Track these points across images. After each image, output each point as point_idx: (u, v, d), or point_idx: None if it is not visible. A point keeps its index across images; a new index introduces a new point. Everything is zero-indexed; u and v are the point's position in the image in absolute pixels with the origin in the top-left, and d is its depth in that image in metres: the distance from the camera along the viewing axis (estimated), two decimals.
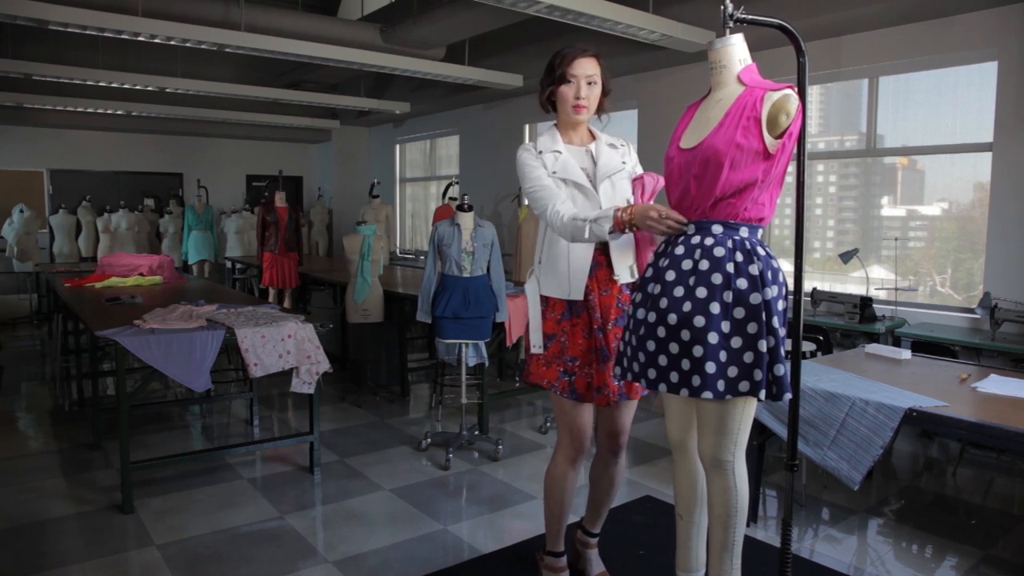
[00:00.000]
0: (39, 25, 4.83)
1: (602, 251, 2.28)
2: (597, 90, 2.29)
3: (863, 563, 2.93)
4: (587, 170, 2.31)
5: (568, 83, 2.25)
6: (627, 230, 2.09)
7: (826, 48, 5.32)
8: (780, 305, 1.97)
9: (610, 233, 2.09)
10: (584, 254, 2.27)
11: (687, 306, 1.96)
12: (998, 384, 3.00)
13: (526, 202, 7.71)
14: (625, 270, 2.30)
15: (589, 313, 2.29)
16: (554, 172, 2.28)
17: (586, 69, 2.25)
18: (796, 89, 1.94)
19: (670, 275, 2.02)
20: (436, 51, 7.04)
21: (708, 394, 1.92)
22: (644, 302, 2.08)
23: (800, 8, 4.84)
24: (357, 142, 11.67)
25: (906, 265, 5.27)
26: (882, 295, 5.19)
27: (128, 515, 3.26)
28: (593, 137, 2.40)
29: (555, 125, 2.39)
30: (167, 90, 7.27)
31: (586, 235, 2.13)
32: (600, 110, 2.34)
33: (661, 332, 2.00)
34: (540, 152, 2.31)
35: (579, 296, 2.28)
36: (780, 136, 1.92)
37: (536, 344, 2.36)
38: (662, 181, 2.22)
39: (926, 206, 5.29)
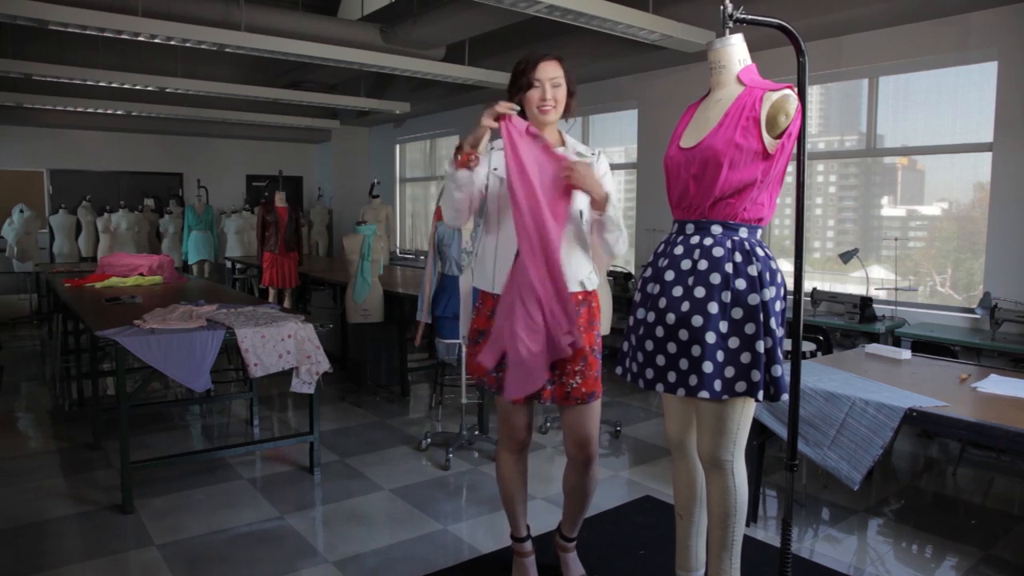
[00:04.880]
0: (39, 25, 4.83)
1: None
2: (562, 92, 2.31)
3: (863, 563, 2.93)
4: None
5: (534, 87, 2.29)
6: (467, 160, 2.20)
7: (826, 48, 5.32)
8: (778, 306, 1.97)
9: (457, 170, 2.22)
10: (511, 249, 2.26)
11: (685, 306, 1.96)
12: (998, 384, 3.00)
13: None
14: (575, 282, 2.28)
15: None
16: (495, 168, 2.31)
17: (549, 72, 2.29)
18: (795, 89, 1.94)
19: (669, 275, 2.02)
20: (436, 51, 7.04)
21: (705, 394, 1.92)
22: (644, 302, 2.08)
23: (800, 8, 4.84)
24: (357, 142, 11.67)
25: (906, 265, 5.27)
26: (882, 295, 5.19)
27: (128, 515, 3.26)
28: (563, 143, 2.41)
29: None
30: (167, 90, 7.27)
31: (449, 186, 2.25)
32: (567, 112, 2.36)
33: (659, 332, 2.00)
34: (492, 148, 2.34)
35: (499, 290, 2.27)
36: (779, 136, 1.92)
37: (463, 336, 2.39)
38: None
39: (926, 206, 5.29)
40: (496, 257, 2.31)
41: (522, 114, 2.38)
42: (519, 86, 2.31)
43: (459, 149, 2.21)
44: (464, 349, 4.16)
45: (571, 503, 2.53)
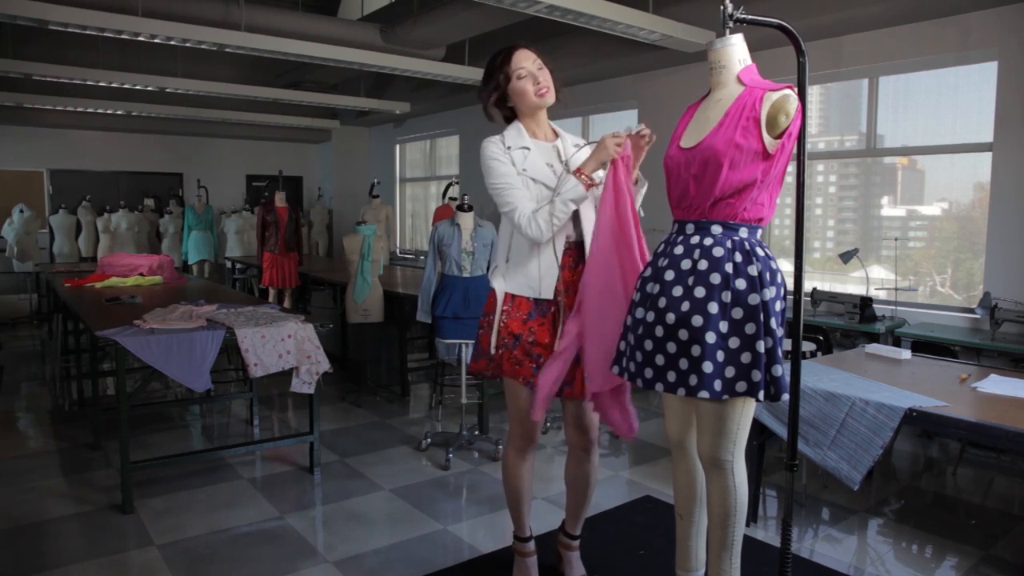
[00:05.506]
0: (39, 25, 4.83)
1: (570, 252, 2.31)
2: (547, 75, 2.30)
3: (863, 563, 2.93)
4: (553, 167, 2.32)
5: (520, 79, 2.26)
6: (594, 179, 2.20)
7: (826, 48, 5.32)
8: (778, 306, 1.97)
9: (586, 188, 2.19)
10: (559, 253, 2.29)
11: (685, 306, 1.96)
12: (998, 384, 3.00)
13: None
14: None
15: (557, 313, 2.30)
16: (524, 170, 2.28)
17: (528, 58, 2.27)
18: (796, 89, 1.94)
19: (669, 275, 2.02)
20: (436, 51, 7.05)
21: (705, 394, 1.92)
22: (643, 301, 2.08)
23: (800, 8, 4.84)
24: (357, 142, 11.67)
25: (906, 265, 5.27)
26: (882, 295, 5.19)
27: (128, 515, 3.26)
28: (556, 135, 2.41)
29: (517, 121, 2.38)
30: (167, 90, 7.28)
31: (557, 213, 2.17)
32: (557, 95, 2.34)
33: (659, 332, 1.99)
34: (508, 148, 2.30)
35: (549, 295, 2.29)
36: (779, 136, 1.92)
37: (493, 344, 2.35)
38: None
39: (926, 206, 5.29)
40: (540, 262, 2.29)
41: (510, 117, 2.40)
42: (496, 83, 2.28)
43: (580, 171, 2.20)
44: (464, 350, 4.16)
45: (575, 495, 2.53)
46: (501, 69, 2.27)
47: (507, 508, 2.58)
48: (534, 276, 2.30)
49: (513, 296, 2.35)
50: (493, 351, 2.34)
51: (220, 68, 8.80)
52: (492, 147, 2.31)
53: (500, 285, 2.38)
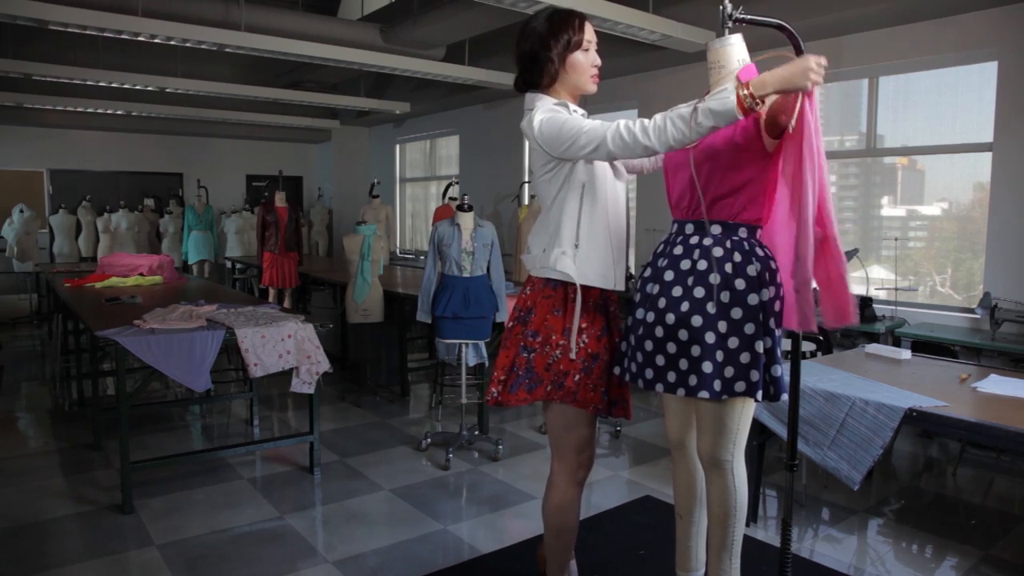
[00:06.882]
0: (39, 25, 4.83)
1: None
2: None
3: (863, 563, 2.93)
4: None
5: (586, 51, 1.98)
6: (755, 107, 1.65)
7: (826, 48, 5.30)
8: (777, 306, 1.97)
9: (741, 109, 1.65)
10: (623, 237, 2.07)
11: (685, 306, 1.96)
12: (998, 384, 3.00)
13: (526, 202, 7.72)
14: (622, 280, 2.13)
15: (607, 314, 2.11)
16: None
17: (593, 35, 2.01)
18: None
19: (668, 275, 2.02)
20: (436, 51, 7.05)
21: (704, 394, 1.92)
22: (643, 302, 2.08)
23: (800, 8, 4.84)
24: (357, 142, 11.67)
25: (906, 265, 5.27)
26: (882, 295, 5.19)
27: (128, 515, 3.26)
28: None
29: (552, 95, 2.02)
30: (167, 90, 7.28)
31: (698, 120, 1.67)
32: None
33: (659, 332, 1.99)
34: (573, 111, 1.98)
35: (622, 286, 2.07)
36: (779, 136, 1.92)
37: (574, 348, 1.99)
38: None
39: (926, 206, 5.29)
40: (612, 248, 2.03)
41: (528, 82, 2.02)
42: (565, 43, 1.93)
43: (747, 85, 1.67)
44: (464, 350, 4.15)
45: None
46: (577, 30, 1.94)
47: (547, 545, 2.24)
48: (608, 262, 2.01)
49: (588, 290, 2.01)
50: (578, 369, 1.97)
51: (220, 68, 8.80)
52: (559, 108, 1.92)
53: (572, 271, 1.96)
